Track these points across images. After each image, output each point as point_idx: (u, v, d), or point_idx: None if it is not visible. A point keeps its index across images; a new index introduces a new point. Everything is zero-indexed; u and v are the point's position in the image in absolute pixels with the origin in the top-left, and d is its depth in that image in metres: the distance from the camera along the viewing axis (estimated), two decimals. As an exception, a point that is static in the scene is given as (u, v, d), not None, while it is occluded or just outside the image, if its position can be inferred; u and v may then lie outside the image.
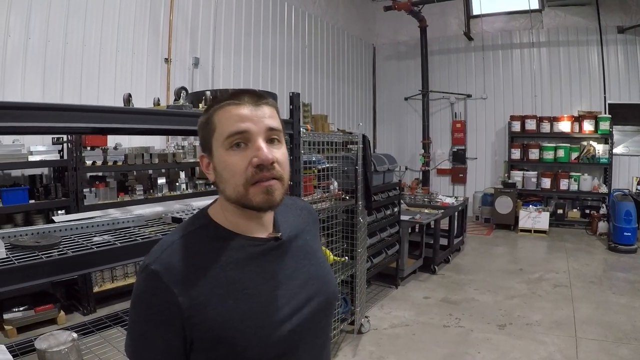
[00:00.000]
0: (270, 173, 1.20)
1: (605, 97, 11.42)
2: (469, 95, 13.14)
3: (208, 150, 1.26)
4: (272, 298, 1.24)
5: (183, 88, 2.84)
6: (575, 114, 11.44)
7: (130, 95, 2.66)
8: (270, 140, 1.23)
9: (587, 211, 11.18)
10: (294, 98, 3.29)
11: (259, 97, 1.25)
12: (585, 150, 11.08)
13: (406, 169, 13.63)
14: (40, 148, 5.50)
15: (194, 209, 2.83)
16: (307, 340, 1.30)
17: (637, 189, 10.61)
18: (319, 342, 1.36)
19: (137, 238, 2.19)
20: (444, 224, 8.37)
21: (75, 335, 1.99)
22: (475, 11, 12.87)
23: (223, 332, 1.16)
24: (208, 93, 3.12)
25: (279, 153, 1.23)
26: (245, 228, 1.28)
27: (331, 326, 1.48)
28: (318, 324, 1.35)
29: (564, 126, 11.34)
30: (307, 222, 1.50)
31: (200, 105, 3.05)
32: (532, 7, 11.94)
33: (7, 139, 5.29)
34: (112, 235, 2.25)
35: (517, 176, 11.80)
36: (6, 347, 2.02)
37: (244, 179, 1.18)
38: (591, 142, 11.12)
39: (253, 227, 1.30)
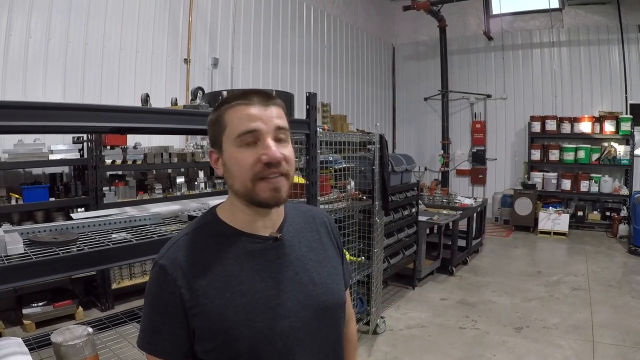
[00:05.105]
0: (278, 170, 1.26)
1: (626, 97, 11.23)
2: (489, 96, 13.05)
3: (218, 147, 1.32)
4: (267, 296, 1.29)
5: (199, 88, 2.87)
6: (596, 115, 11.27)
7: (147, 95, 2.69)
8: (278, 139, 1.28)
9: (608, 213, 11.03)
10: (311, 98, 3.30)
11: (267, 97, 1.31)
12: (606, 152, 10.93)
13: (425, 169, 13.56)
14: (60, 147, 5.59)
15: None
16: (305, 344, 1.33)
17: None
18: (319, 350, 1.38)
19: (153, 235, 2.23)
20: (463, 225, 8.33)
21: (90, 329, 2.03)
22: (495, 10, 12.80)
23: (219, 323, 1.23)
24: (225, 93, 3.14)
25: (287, 151, 1.29)
26: (249, 226, 1.34)
27: (338, 336, 1.48)
28: (317, 331, 1.37)
29: (585, 127, 11.18)
30: (316, 230, 1.52)
31: (217, 105, 3.07)
32: (552, 6, 11.83)
33: (29, 138, 5.39)
34: (128, 233, 2.29)
35: (537, 177, 11.68)
36: (23, 340, 2.06)
37: (251, 174, 1.25)
38: (612, 143, 10.97)
39: (258, 225, 1.35)
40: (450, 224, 7.65)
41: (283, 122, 1.30)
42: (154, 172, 6.84)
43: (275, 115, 1.29)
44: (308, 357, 1.34)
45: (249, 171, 1.25)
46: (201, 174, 7.17)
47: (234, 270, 1.28)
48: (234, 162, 1.27)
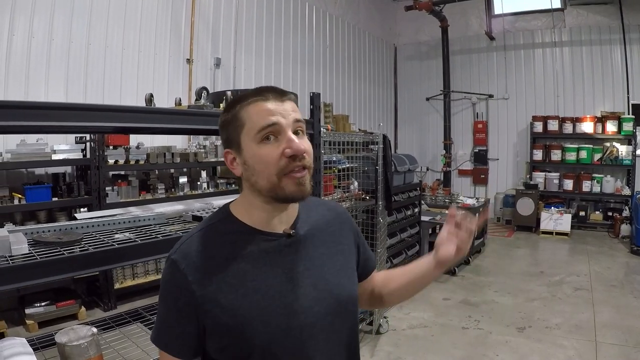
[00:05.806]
0: (301, 163, 1.27)
1: (628, 97, 11.20)
2: (491, 96, 13.02)
3: (236, 146, 1.31)
4: (281, 292, 1.29)
5: (204, 88, 2.87)
6: (598, 115, 11.24)
7: (152, 95, 2.68)
8: (295, 133, 1.29)
9: (610, 213, 10.99)
10: (314, 98, 3.30)
11: (281, 93, 1.32)
12: (608, 152, 10.90)
13: (427, 169, 13.56)
14: (63, 147, 5.59)
15: (214, 208, 2.86)
16: (320, 339, 1.33)
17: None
18: (333, 345, 1.38)
19: (158, 236, 2.22)
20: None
21: (95, 329, 2.02)
22: (497, 10, 12.72)
23: (233, 320, 1.23)
24: (229, 93, 3.14)
25: (306, 144, 1.30)
26: (264, 223, 1.34)
27: (352, 330, 1.47)
28: (331, 326, 1.37)
29: (587, 127, 11.15)
30: (332, 224, 1.52)
31: (222, 105, 3.07)
32: (554, 6, 11.76)
33: (31, 138, 5.38)
34: (133, 233, 2.28)
35: (539, 177, 11.65)
36: (27, 340, 2.05)
37: (277, 169, 1.25)
38: (614, 143, 10.94)
39: (274, 222, 1.35)
40: (453, 224, 7.62)
41: (299, 115, 1.32)
42: (157, 172, 6.84)
43: (291, 109, 1.30)
44: (322, 351, 1.34)
45: (275, 166, 1.25)
46: (204, 174, 7.17)
47: (247, 267, 1.28)
48: (257, 159, 1.27)
